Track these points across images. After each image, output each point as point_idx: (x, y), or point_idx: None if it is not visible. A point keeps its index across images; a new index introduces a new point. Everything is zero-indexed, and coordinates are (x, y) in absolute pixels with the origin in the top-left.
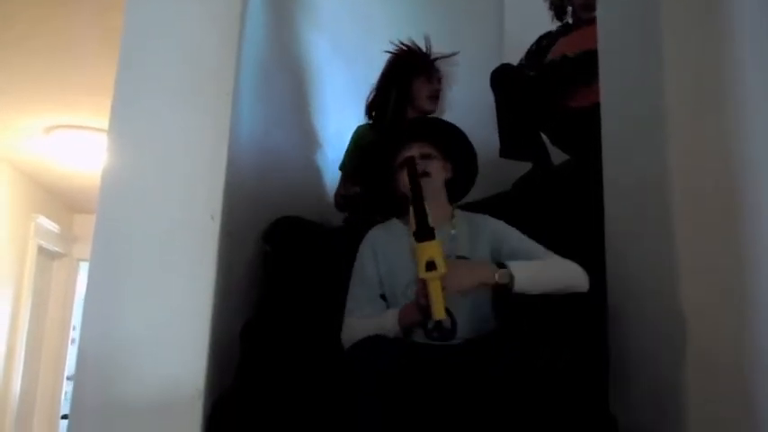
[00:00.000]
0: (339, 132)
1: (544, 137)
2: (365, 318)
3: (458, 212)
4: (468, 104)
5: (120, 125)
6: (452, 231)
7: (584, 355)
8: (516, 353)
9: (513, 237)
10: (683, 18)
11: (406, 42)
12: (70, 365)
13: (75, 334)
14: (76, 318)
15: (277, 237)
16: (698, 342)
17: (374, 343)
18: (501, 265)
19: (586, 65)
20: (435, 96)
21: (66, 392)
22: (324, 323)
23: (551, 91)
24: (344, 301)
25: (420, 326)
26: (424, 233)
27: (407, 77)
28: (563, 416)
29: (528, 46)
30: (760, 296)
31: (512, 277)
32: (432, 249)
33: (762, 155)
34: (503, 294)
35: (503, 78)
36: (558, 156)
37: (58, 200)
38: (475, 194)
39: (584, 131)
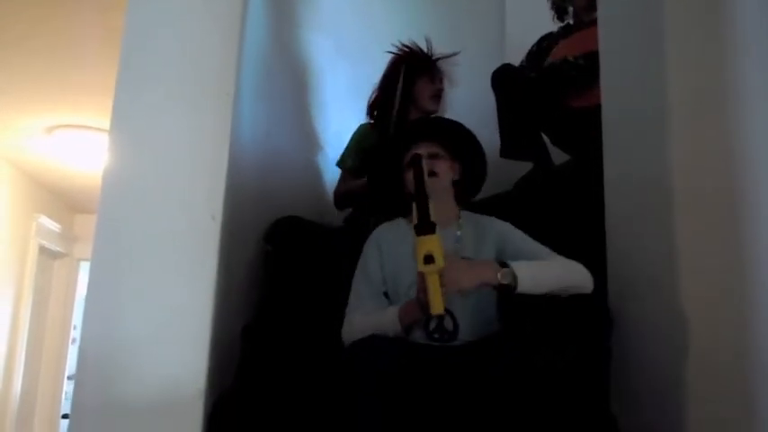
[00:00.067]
0: (340, 133)
1: (545, 137)
2: (366, 314)
3: (464, 214)
4: (468, 104)
5: (122, 125)
6: (458, 232)
7: (585, 355)
8: (516, 353)
9: (518, 237)
10: (684, 18)
11: (407, 43)
12: (71, 365)
13: (75, 333)
14: (77, 317)
15: (278, 237)
16: (698, 342)
17: (374, 343)
18: (504, 265)
19: (587, 68)
20: (438, 96)
21: (66, 392)
22: (324, 323)
23: (552, 92)
24: (345, 301)
25: (421, 325)
26: (424, 227)
27: (411, 78)
28: (563, 416)
29: (529, 46)
30: (760, 296)
31: (515, 277)
32: (431, 243)
33: (762, 155)
34: (507, 295)
35: (504, 79)
36: (558, 156)
37: (59, 200)
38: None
39: (584, 131)
